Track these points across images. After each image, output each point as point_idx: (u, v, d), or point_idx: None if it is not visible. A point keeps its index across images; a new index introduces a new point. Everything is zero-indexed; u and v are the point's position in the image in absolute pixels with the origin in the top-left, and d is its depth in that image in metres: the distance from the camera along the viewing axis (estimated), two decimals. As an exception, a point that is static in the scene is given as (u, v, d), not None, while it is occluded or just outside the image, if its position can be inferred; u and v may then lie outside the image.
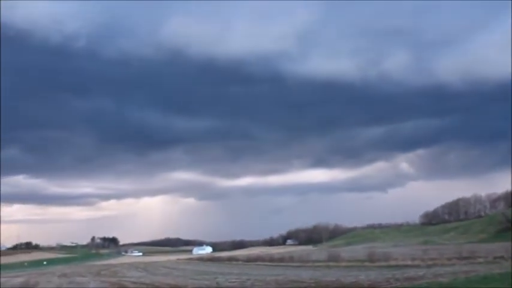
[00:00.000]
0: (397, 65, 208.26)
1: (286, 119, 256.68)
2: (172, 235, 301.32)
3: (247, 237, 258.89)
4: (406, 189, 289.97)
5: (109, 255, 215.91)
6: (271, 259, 78.86)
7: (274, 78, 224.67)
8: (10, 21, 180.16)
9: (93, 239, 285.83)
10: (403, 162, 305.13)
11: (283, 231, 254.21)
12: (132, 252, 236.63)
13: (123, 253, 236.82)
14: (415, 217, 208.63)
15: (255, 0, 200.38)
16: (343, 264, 55.25)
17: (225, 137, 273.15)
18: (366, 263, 52.19)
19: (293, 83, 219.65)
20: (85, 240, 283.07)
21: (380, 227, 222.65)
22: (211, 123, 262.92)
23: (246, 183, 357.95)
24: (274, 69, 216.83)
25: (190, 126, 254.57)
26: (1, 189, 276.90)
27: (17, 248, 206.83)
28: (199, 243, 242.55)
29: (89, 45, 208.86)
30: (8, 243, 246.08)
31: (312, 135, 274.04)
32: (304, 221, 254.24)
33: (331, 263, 57.19)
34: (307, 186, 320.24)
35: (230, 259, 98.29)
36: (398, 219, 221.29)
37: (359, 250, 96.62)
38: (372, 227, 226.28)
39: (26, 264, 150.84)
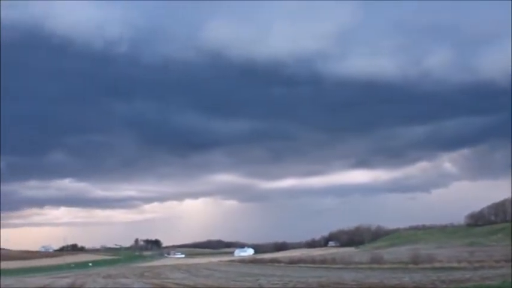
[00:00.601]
0: (438, 62, 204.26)
1: (326, 119, 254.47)
2: (214, 237, 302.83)
3: (288, 239, 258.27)
4: (450, 189, 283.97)
5: (152, 257, 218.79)
6: (313, 261, 78.47)
7: (314, 78, 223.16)
8: (53, 29, 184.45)
9: (136, 241, 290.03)
10: (447, 162, 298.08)
11: (325, 233, 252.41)
12: (174, 254, 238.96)
13: (165, 255, 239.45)
14: (459, 218, 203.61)
15: (294, 1, 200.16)
16: (386, 266, 54.47)
17: (266, 138, 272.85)
18: (410, 265, 51.33)
19: (333, 83, 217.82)
20: (128, 243, 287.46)
21: (423, 228, 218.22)
22: (252, 125, 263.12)
23: (287, 184, 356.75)
24: (314, 69, 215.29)
25: (231, 128, 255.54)
26: (49, 192, 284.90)
27: (63, 250, 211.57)
28: (241, 245, 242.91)
29: (131, 49, 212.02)
30: (55, 245, 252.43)
31: (353, 136, 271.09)
32: (346, 222, 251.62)
33: (373, 265, 56.45)
34: (348, 187, 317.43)
35: (272, 261, 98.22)
36: (442, 220, 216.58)
37: (402, 252, 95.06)
38: (415, 228, 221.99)
39: (72, 265, 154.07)
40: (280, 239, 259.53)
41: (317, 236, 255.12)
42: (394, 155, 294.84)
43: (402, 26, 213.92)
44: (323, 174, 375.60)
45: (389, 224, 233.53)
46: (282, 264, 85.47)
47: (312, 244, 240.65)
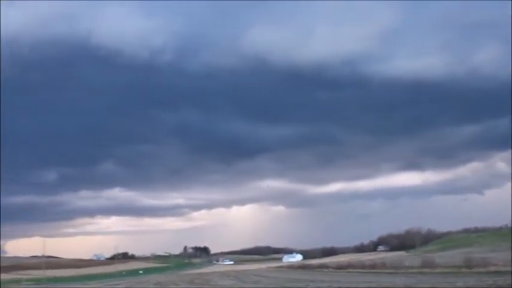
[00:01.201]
0: (487, 58, 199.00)
1: (373, 121, 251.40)
2: (262, 243, 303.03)
3: (337, 244, 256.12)
4: (504, 190, 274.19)
5: (201, 264, 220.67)
6: (362, 266, 77.31)
7: (359, 80, 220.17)
8: (99, 42, 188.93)
9: (185, 248, 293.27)
10: (500, 162, 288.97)
11: (374, 237, 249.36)
12: (223, 261, 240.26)
13: (214, 262, 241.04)
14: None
15: (335, 1, 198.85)
16: (438, 270, 53.15)
17: (312, 143, 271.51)
18: (463, 269, 49.91)
19: (379, 84, 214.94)
20: (178, 250, 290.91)
21: (476, 230, 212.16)
22: (298, 130, 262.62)
23: (335, 189, 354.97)
24: (359, 71, 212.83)
25: (277, 133, 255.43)
26: (100, 202, 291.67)
27: (114, 258, 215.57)
28: (289, 251, 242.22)
29: (175, 58, 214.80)
30: (107, 254, 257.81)
31: (401, 138, 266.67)
32: (396, 226, 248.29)
33: (425, 269, 55.16)
34: (397, 190, 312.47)
35: (320, 266, 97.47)
36: (496, 222, 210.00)
37: (455, 255, 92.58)
38: (467, 231, 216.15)
39: (123, 273, 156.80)
40: (328, 244, 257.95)
41: (366, 241, 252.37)
42: (444, 156, 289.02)
43: (448, 22, 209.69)
44: (371, 178, 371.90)
45: (441, 227, 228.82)
46: (331, 269, 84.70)
47: (360, 249, 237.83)
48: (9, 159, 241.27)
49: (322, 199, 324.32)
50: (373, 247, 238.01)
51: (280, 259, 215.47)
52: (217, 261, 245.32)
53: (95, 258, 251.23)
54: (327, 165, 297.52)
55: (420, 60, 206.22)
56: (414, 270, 56.29)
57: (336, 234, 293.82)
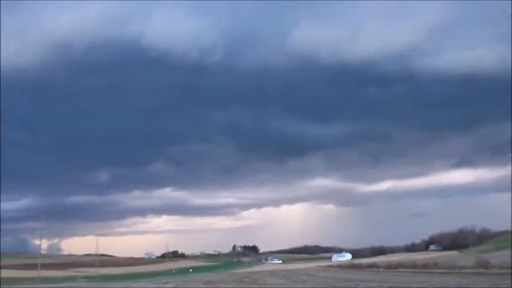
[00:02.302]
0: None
1: (424, 118, 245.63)
2: (311, 242, 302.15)
3: (387, 243, 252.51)
4: None
5: (250, 263, 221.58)
6: (413, 265, 75.63)
7: (408, 76, 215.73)
8: (149, 43, 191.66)
9: (234, 247, 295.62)
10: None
11: (426, 236, 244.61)
12: (272, 259, 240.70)
13: (263, 261, 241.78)
14: None
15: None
16: (494, 271, 51.45)
17: (362, 140, 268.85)
18: (520, 270, 48.16)
19: (429, 79, 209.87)
20: (227, 249, 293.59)
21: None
22: (347, 128, 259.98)
23: (385, 187, 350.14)
24: (409, 66, 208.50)
25: (326, 131, 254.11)
26: (151, 201, 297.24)
27: (165, 257, 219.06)
28: (338, 250, 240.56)
29: (225, 57, 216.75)
30: (157, 252, 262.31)
31: (453, 134, 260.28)
32: (448, 225, 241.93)
33: (479, 270, 53.55)
34: (450, 187, 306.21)
35: (370, 266, 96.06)
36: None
37: (510, 256, 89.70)
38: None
39: (173, 271, 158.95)
40: (378, 243, 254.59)
41: (417, 240, 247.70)
42: (498, 152, 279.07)
43: (499, 13, 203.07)
44: (423, 175, 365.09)
45: (496, 226, 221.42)
46: (381, 269, 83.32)
47: (411, 248, 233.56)
48: (66, 161, 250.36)
49: (372, 197, 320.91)
50: (424, 246, 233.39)
51: (329, 258, 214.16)
52: (266, 260, 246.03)
53: (145, 256, 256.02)
54: (377, 163, 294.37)
55: (472, 53, 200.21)
56: (468, 271, 54.72)
57: (386, 233, 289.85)
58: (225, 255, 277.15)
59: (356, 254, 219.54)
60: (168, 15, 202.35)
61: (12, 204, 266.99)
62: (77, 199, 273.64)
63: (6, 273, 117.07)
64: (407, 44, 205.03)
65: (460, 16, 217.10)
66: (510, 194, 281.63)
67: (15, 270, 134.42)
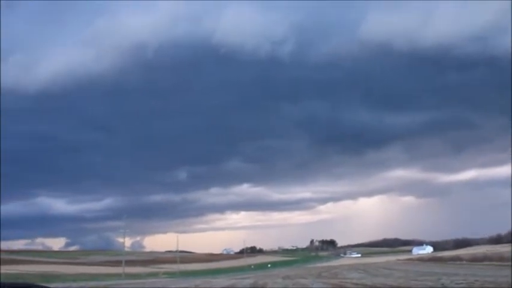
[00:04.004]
0: None
1: (508, 102, 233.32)
2: (390, 235, 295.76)
3: (471, 235, 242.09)
4: None
5: (328, 258, 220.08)
6: (500, 258, 72.50)
7: (490, 57, 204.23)
8: (220, 40, 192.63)
9: (312, 242, 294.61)
10: None
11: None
12: (350, 253, 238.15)
13: (341, 255, 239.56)
14: None
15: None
16: None
17: (442, 128, 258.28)
18: None
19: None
20: (304, 244, 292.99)
21: None
22: (426, 116, 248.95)
23: (468, 176, 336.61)
24: (488, 48, 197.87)
25: (404, 121, 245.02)
26: (229, 198, 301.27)
27: (243, 252, 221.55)
28: (419, 243, 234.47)
29: (296, 50, 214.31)
30: (236, 248, 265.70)
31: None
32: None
33: None
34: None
35: (453, 259, 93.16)
36: None
37: None
38: None
39: (252, 266, 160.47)
40: (461, 235, 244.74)
41: (503, 231, 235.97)
42: None
43: None
44: (508, 163, 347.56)
45: None
46: (464, 262, 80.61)
47: (497, 240, 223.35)
48: (145, 162, 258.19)
49: (455, 187, 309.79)
50: (511, 238, 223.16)
51: (409, 251, 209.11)
52: (344, 254, 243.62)
53: (224, 252, 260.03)
54: (459, 151, 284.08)
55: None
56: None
57: (470, 224, 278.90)
58: (303, 249, 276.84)
59: (438, 246, 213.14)
60: (238, 10, 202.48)
61: (95, 205, 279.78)
62: (157, 198, 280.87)
63: (93, 270, 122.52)
64: (486, 25, 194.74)
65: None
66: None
67: (101, 266, 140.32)
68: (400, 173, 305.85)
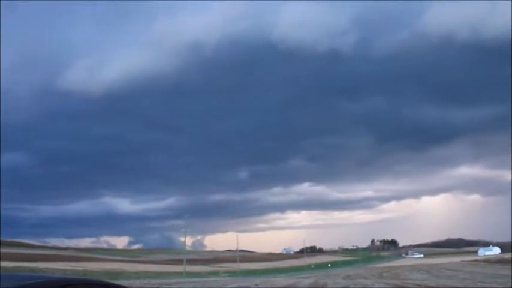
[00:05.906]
0: None
1: None
2: (454, 235, 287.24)
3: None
4: None
5: (389, 258, 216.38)
6: None
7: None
8: (280, 36, 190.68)
9: (372, 241, 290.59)
10: None
11: None
12: (412, 254, 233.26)
13: (403, 255, 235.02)
14: None
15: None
16: None
17: (510, 124, 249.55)
18: None
19: None
20: (365, 243, 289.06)
21: None
22: (493, 110, 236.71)
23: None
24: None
25: (470, 116, 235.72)
26: (290, 197, 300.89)
27: (303, 252, 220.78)
28: (485, 244, 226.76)
29: (357, 45, 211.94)
30: (296, 248, 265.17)
31: None
32: None
33: None
34: None
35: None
36: None
37: None
38: None
39: (312, 266, 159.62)
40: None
41: None
42: None
43: None
44: None
45: None
46: (536, 264, 77.14)
47: None
48: (206, 161, 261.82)
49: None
50: None
51: (474, 252, 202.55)
52: (406, 254, 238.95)
53: (284, 252, 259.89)
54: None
55: None
56: None
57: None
58: (363, 249, 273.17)
59: (505, 247, 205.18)
60: (297, 5, 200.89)
61: (158, 204, 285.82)
62: (218, 197, 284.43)
63: (155, 268, 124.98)
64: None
65: None
66: None
67: (163, 265, 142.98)
68: (466, 171, 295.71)
